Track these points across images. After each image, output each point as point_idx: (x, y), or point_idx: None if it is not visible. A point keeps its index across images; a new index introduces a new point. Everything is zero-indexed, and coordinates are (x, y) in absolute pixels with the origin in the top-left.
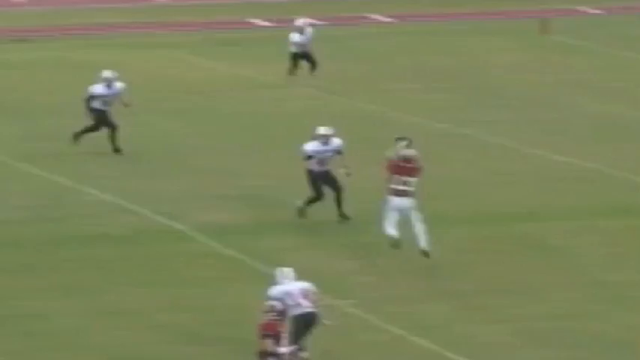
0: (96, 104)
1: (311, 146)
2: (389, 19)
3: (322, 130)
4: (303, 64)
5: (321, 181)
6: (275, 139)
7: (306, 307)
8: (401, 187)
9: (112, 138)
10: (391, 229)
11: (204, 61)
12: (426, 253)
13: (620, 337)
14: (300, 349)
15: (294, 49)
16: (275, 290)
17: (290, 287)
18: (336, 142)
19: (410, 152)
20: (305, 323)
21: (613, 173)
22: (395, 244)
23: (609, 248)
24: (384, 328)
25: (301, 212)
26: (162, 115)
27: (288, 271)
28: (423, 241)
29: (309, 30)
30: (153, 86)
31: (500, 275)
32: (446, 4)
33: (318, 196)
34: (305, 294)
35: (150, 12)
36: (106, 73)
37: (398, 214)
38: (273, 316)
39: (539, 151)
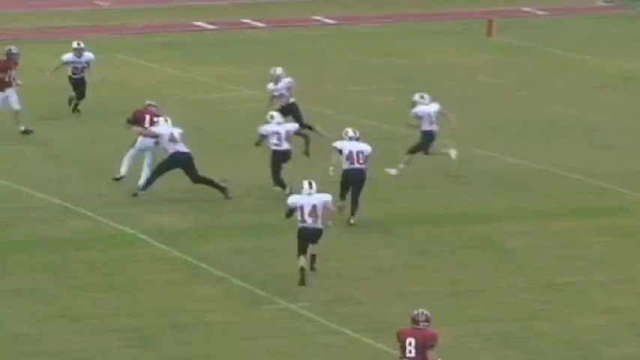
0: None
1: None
2: (332, 21)
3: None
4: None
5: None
6: (221, 142)
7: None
8: None
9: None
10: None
11: (148, 63)
12: None
13: (574, 338)
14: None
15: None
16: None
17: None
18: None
19: None
20: (305, 237)
21: (564, 174)
22: None
23: (561, 249)
24: (338, 330)
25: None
26: (108, 119)
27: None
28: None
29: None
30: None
31: (455, 277)
32: (390, 6)
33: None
34: (313, 210)
35: (93, 16)
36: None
37: None
38: None
39: (490, 153)
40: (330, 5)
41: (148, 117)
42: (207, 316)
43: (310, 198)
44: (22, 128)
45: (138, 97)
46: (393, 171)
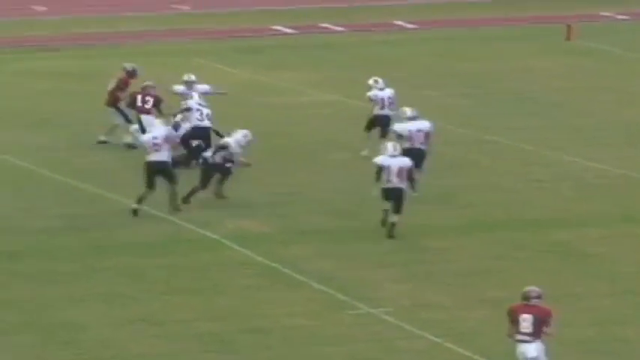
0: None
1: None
2: (411, 26)
3: None
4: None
5: None
6: (299, 147)
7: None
8: None
9: None
10: None
11: (227, 67)
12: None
13: None
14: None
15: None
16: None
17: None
18: None
19: None
20: (390, 196)
21: None
22: None
23: None
24: (419, 335)
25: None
26: None
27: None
28: None
29: None
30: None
31: (536, 282)
32: (468, 11)
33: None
34: (399, 171)
35: (172, 20)
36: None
37: None
38: None
39: (572, 158)
40: (408, 10)
41: (139, 97)
42: (288, 321)
43: (395, 160)
44: (102, 138)
45: (217, 101)
46: (365, 152)
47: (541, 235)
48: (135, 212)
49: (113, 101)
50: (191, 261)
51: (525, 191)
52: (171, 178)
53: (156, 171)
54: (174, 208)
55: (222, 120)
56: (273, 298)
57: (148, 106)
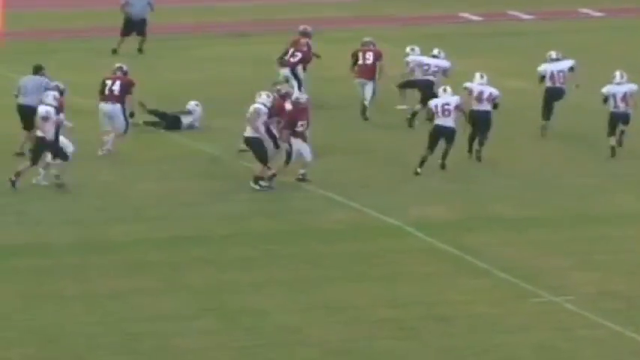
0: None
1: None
2: (598, 14)
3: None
4: None
5: None
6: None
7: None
8: None
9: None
10: None
11: None
12: None
13: None
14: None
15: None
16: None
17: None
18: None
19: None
20: (436, 134)
21: None
22: None
23: None
24: (601, 323)
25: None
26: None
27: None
28: None
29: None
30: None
31: None
32: None
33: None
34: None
35: (359, 7)
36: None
37: None
38: None
39: None
40: None
41: (109, 82)
42: (471, 309)
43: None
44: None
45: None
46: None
47: None
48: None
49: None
50: (373, 247)
51: None
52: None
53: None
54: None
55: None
56: (456, 286)
57: None
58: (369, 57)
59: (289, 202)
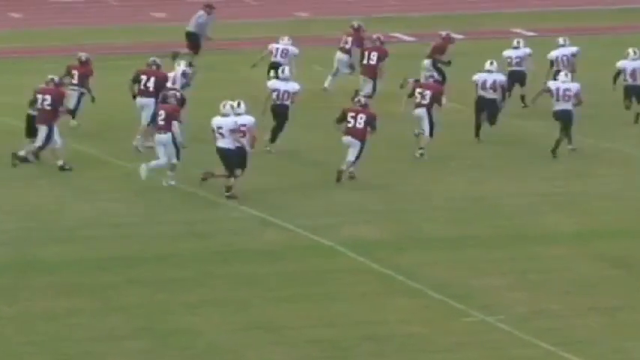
0: None
1: None
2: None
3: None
4: None
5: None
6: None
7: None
8: None
9: None
10: None
11: None
12: None
13: None
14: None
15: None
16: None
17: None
18: None
19: None
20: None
21: None
22: None
23: None
24: (534, 343)
25: None
26: (308, 132)
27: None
28: None
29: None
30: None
31: None
32: None
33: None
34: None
35: (289, 26)
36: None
37: None
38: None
39: None
40: None
41: (144, 77)
42: (404, 328)
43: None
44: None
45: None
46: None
47: None
48: None
49: None
50: (306, 267)
51: None
52: None
53: None
54: None
55: None
56: (388, 306)
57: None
58: (373, 57)
59: (221, 223)
